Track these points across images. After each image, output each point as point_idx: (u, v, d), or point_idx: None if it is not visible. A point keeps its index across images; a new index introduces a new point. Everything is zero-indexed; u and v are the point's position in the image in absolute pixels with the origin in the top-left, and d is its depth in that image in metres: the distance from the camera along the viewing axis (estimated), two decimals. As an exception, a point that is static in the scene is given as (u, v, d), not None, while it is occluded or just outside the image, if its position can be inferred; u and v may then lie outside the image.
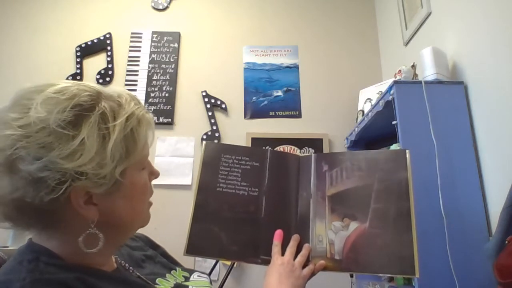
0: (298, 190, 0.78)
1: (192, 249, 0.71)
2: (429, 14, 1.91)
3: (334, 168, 0.76)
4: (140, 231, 0.62)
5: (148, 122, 0.56)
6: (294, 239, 0.72)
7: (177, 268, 0.70)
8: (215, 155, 0.79)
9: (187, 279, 0.68)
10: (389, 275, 1.28)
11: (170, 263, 0.72)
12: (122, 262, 0.62)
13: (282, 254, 0.70)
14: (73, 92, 0.48)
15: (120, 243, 0.60)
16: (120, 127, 0.50)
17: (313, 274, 0.71)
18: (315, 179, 0.76)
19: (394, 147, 1.65)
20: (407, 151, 0.75)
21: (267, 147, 2.42)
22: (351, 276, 2.02)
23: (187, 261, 0.73)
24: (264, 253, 0.72)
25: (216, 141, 2.44)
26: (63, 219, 0.49)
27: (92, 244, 0.49)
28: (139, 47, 2.68)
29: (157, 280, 0.62)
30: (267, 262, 0.71)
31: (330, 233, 0.71)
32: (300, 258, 0.70)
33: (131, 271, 0.61)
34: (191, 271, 0.71)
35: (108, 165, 0.48)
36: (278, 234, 0.72)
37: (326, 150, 2.37)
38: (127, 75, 2.61)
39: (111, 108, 0.51)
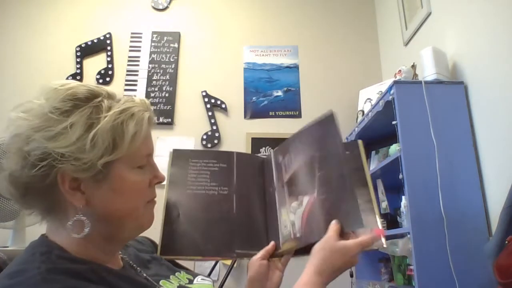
0: (264, 186, 0.80)
1: (166, 250, 0.70)
2: (429, 14, 1.91)
3: (285, 155, 0.78)
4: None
5: (142, 119, 0.55)
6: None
7: (182, 271, 0.71)
8: (183, 160, 0.81)
9: (190, 281, 0.68)
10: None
11: (174, 266, 0.72)
12: (130, 262, 0.63)
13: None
14: (72, 86, 0.53)
15: (118, 239, 0.58)
16: (109, 118, 0.51)
17: (286, 260, 0.72)
18: (275, 172, 0.80)
19: (394, 147, 1.65)
20: (332, 112, 0.72)
21: (267, 147, 2.45)
22: (351, 276, 2.02)
23: (188, 263, 0.73)
24: (239, 247, 0.73)
25: (215, 141, 2.45)
26: (56, 203, 0.52)
27: (79, 231, 0.51)
28: (139, 47, 2.68)
29: (161, 282, 0.62)
30: (242, 255, 0.73)
31: (291, 215, 0.72)
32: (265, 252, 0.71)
33: (138, 271, 0.62)
34: (195, 274, 0.72)
35: (89, 152, 0.49)
36: None
37: (326, 150, 2.36)
38: (127, 75, 2.61)
39: (108, 104, 0.53)
